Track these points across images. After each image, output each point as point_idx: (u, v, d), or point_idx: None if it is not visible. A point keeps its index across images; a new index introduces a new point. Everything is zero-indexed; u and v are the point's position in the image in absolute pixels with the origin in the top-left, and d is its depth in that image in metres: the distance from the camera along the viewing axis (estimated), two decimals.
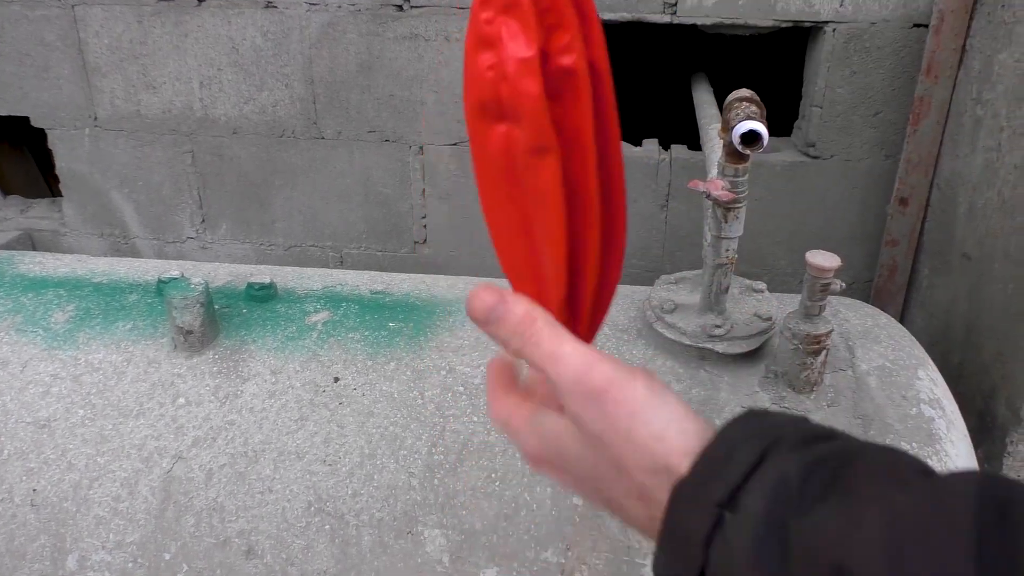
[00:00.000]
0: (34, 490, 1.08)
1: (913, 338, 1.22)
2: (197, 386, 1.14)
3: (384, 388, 1.13)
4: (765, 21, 1.72)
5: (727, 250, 1.09)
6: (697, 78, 1.94)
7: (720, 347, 1.11)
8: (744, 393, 1.09)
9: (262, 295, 1.28)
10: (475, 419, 1.08)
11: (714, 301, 1.14)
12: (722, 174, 1.04)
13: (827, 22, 1.70)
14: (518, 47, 0.38)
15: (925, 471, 0.34)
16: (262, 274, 1.34)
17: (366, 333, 1.21)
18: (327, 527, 1.02)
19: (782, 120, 1.89)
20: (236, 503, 1.04)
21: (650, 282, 1.28)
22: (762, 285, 1.23)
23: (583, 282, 0.44)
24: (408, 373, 1.14)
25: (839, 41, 1.70)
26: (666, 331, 1.14)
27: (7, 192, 2.43)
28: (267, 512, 1.04)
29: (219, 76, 1.96)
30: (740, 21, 1.72)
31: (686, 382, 1.11)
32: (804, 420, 0.38)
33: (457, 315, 1.25)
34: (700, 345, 1.12)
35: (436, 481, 1.03)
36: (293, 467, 1.06)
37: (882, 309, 1.45)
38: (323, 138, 1.99)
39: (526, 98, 0.39)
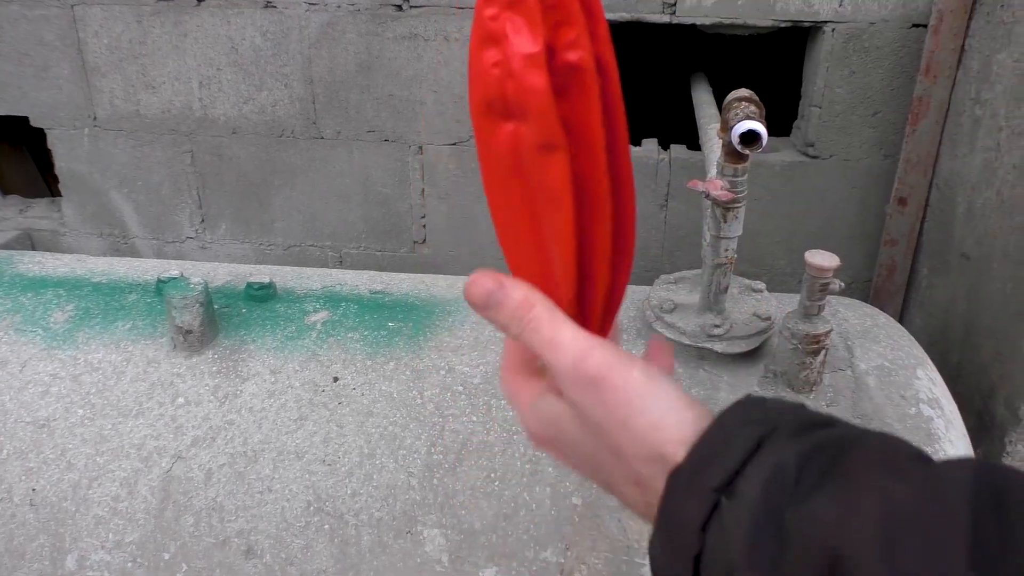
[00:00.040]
0: (33, 490, 1.08)
1: (912, 338, 1.23)
2: (196, 386, 1.14)
3: (383, 388, 1.13)
4: (764, 21, 1.72)
5: (726, 250, 1.09)
6: (696, 78, 1.94)
7: (719, 347, 1.11)
8: (743, 393, 1.09)
9: (261, 295, 1.28)
10: (474, 419, 1.08)
11: (713, 301, 1.14)
12: (721, 174, 1.04)
13: (826, 22, 1.70)
14: (523, 43, 0.38)
15: (922, 458, 0.34)
16: (261, 274, 1.34)
17: (365, 333, 1.21)
18: (326, 527, 1.02)
19: (781, 120, 1.89)
20: (235, 503, 1.04)
21: (649, 282, 1.28)
22: (761, 285, 1.23)
23: (593, 281, 0.43)
24: (407, 373, 1.14)
25: (838, 41, 1.71)
26: (665, 331, 1.15)
27: (6, 192, 2.43)
28: (266, 512, 1.04)
29: (218, 76, 1.96)
30: (739, 21, 1.72)
31: (685, 382, 1.11)
32: (802, 407, 0.38)
33: (456, 315, 1.25)
34: (699, 345, 1.12)
35: (435, 481, 1.03)
36: (292, 467, 1.06)
37: (881, 309, 1.45)
38: (322, 138, 1.99)
39: (532, 94, 0.38)
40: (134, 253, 2.23)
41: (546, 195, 0.41)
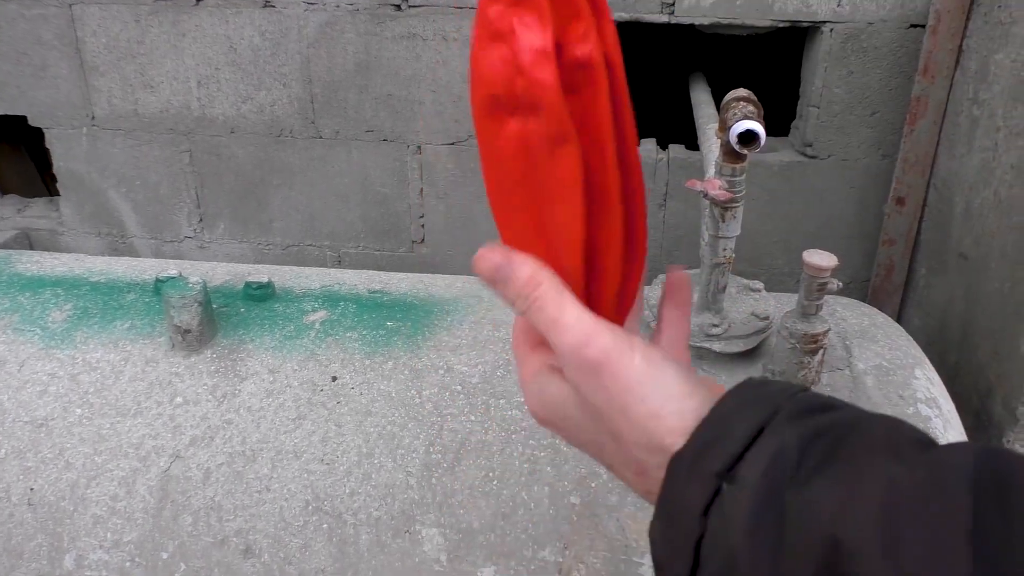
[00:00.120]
0: (31, 489, 1.08)
1: (910, 337, 1.23)
2: (195, 385, 1.14)
3: (382, 387, 1.13)
4: (762, 21, 1.72)
5: (724, 249, 1.09)
6: (695, 78, 1.94)
7: (717, 346, 1.11)
8: None
9: (260, 294, 1.28)
10: (473, 418, 1.08)
11: (712, 300, 1.14)
12: (720, 173, 1.04)
13: (824, 22, 1.70)
14: (533, 37, 0.38)
15: (923, 443, 0.34)
16: (260, 273, 1.34)
17: (364, 332, 1.21)
18: (325, 526, 1.02)
19: (779, 120, 1.90)
20: (234, 502, 1.04)
21: (648, 281, 1.28)
22: (759, 284, 1.23)
23: (603, 276, 0.43)
24: (406, 372, 1.14)
25: (836, 41, 1.71)
26: None
27: (4, 191, 2.43)
28: (265, 511, 1.04)
29: (217, 75, 1.96)
30: (737, 21, 1.73)
31: None
32: (803, 389, 0.38)
33: (455, 314, 1.25)
34: (698, 344, 1.12)
35: (434, 480, 1.03)
36: (291, 466, 1.06)
37: (879, 308, 1.45)
38: (321, 137, 1.99)
39: (543, 88, 0.38)
40: (132, 253, 2.23)
41: (555, 190, 0.40)
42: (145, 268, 1.42)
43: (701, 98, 1.73)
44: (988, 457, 0.31)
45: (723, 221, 1.06)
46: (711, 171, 1.14)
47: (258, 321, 1.24)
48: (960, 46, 1.58)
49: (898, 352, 1.17)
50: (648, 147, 1.89)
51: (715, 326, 1.12)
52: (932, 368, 1.17)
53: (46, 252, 1.59)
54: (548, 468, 1.02)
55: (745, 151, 0.98)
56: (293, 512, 1.03)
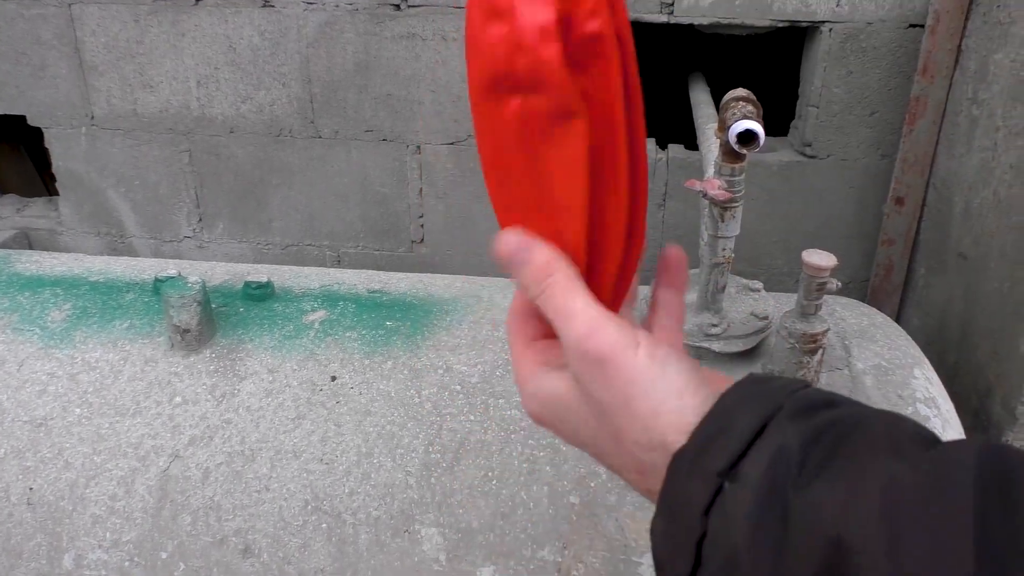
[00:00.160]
0: (31, 489, 1.08)
1: (909, 337, 1.23)
2: (194, 385, 1.14)
3: (381, 387, 1.13)
4: (762, 21, 1.72)
5: (724, 249, 1.09)
6: (694, 78, 1.94)
7: (717, 346, 1.11)
8: None
9: (259, 294, 1.28)
10: (472, 418, 1.08)
11: (711, 300, 1.14)
12: (719, 173, 1.04)
13: (823, 22, 1.70)
14: (534, 13, 0.37)
15: (926, 439, 0.33)
16: (259, 273, 1.34)
17: (363, 332, 1.21)
18: (324, 525, 1.02)
19: (779, 120, 1.90)
20: (233, 502, 1.04)
21: (647, 280, 1.28)
22: (759, 284, 1.23)
23: (605, 257, 0.42)
24: (405, 372, 1.14)
25: (835, 41, 1.71)
26: None
27: (3, 191, 2.43)
28: (264, 511, 1.04)
29: (216, 75, 1.96)
30: (737, 21, 1.73)
31: None
32: (805, 385, 0.38)
33: (454, 314, 1.25)
34: (697, 344, 1.12)
35: (433, 480, 1.03)
36: (290, 466, 1.06)
37: (878, 308, 1.45)
38: (320, 137, 1.99)
39: (546, 66, 0.37)
40: (131, 252, 2.23)
41: (559, 168, 0.40)
42: (144, 268, 1.42)
43: (700, 98, 1.73)
44: (991, 454, 0.31)
45: (722, 221, 1.06)
46: (710, 171, 1.14)
47: (257, 321, 1.24)
48: (959, 46, 1.58)
49: (897, 352, 1.17)
50: (647, 147, 1.89)
51: (714, 326, 1.12)
52: (931, 368, 1.17)
53: (45, 252, 1.59)
54: (547, 468, 1.02)
55: (744, 151, 0.98)
56: (292, 512, 1.03)
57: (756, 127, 0.95)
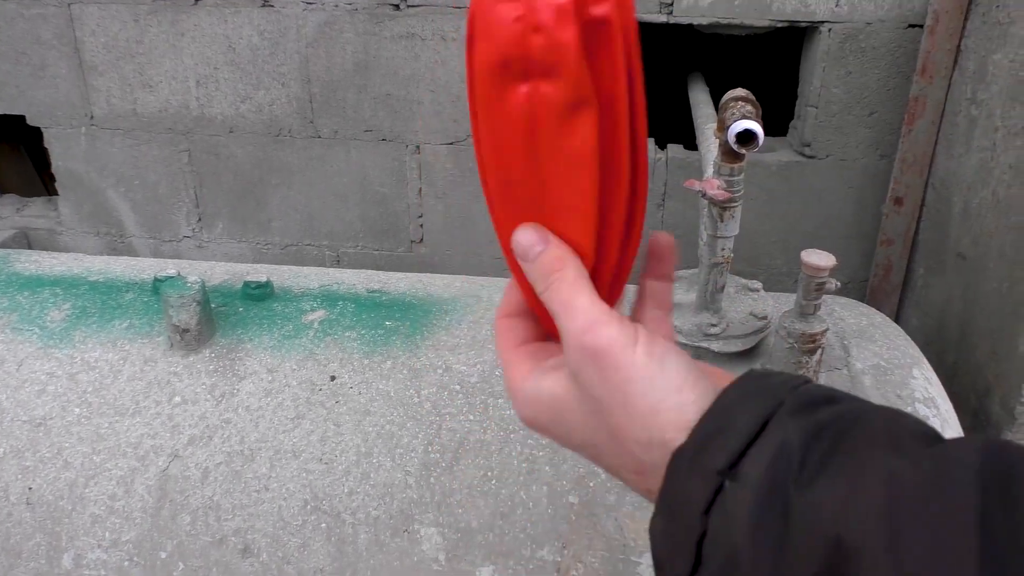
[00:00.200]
0: (30, 488, 1.08)
1: (908, 337, 1.23)
2: (193, 384, 1.14)
3: (380, 387, 1.13)
4: (761, 21, 1.72)
5: (723, 249, 1.09)
6: (693, 78, 1.94)
7: (716, 346, 1.11)
8: None
9: (258, 294, 1.28)
10: (471, 418, 1.08)
11: (710, 300, 1.14)
12: (718, 173, 1.04)
13: (823, 22, 1.70)
14: None
15: (927, 436, 0.33)
16: (258, 273, 1.34)
17: (362, 332, 1.21)
18: (323, 525, 1.02)
19: (778, 120, 1.90)
20: (232, 501, 1.04)
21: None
22: (758, 284, 1.23)
23: (605, 256, 0.42)
24: (404, 372, 1.14)
25: (835, 41, 1.71)
26: None
27: (3, 191, 2.43)
28: (263, 510, 1.04)
29: (215, 75, 1.96)
30: (736, 21, 1.73)
31: None
32: (805, 380, 0.37)
33: (453, 314, 1.25)
34: (696, 344, 1.12)
35: (432, 479, 1.03)
36: (289, 465, 1.06)
37: (877, 308, 1.45)
38: (320, 137, 1.99)
39: (563, 48, 0.35)
40: (131, 252, 2.23)
41: (565, 160, 0.38)
42: (144, 267, 1.42)
43: (699, 98, 1.73)
44: (993, 451, 0.30)
45: (721, 221, 1.06)
46: (709, 171, 1.14)
47: (257, 320, 1.24)
48: (958, 46, 1.58)
49: (896, 352, 1.17)
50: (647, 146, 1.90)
51: (713, 326, 1.12)
52: (930, 368, 1.17)
53: (44, 252, 1.59)
54: (547, 467, 1.02)
55: (743, 151, 0.98)
56: (291, 511, 1.03)
57: (755, 127, 0.95)
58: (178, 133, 2.05)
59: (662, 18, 1.74)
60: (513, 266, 0.44)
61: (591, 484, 1.00)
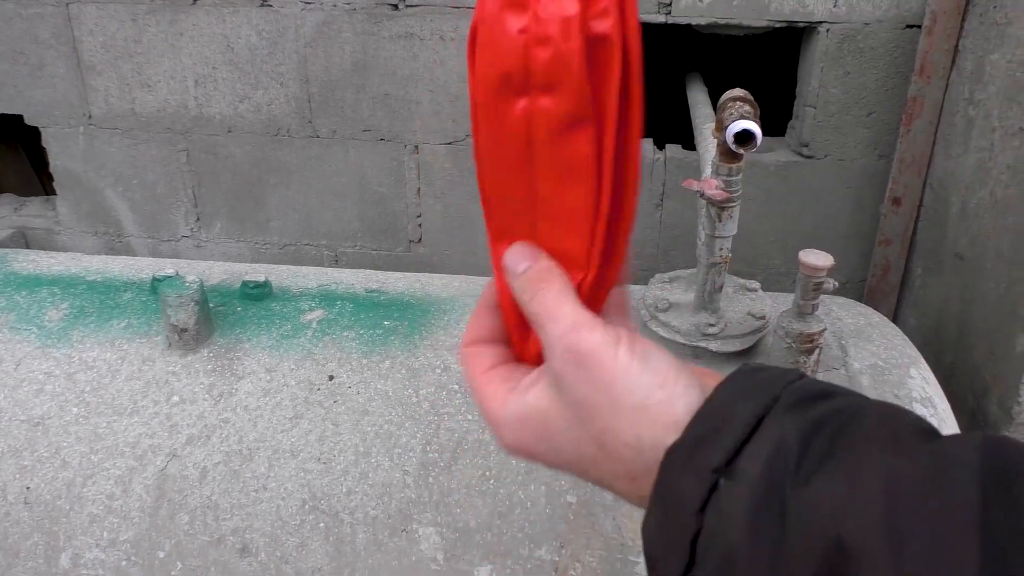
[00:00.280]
0: (27, 488, 1.08)
1: (905, 337, 1.23)
2: (191, 384, 1.14)
3: (379, 386, 1.13)
4: (759, 21, 1.72)
5: (721, 249, 1.09)
6: (691, 78, 1.94)
7: (714, 345, 1.12)
8: None
9: (257, 293, 1.28)
10: (469, 417, 1.08)
11: (708, 300, 1.14)
12: (716, 173, 1.04)
13: (821, 22, 1.70)
14: (561, 4, 0.35)
15: (926, 433, 0.33)
16: (257, 272, 1.34)
17: (361, 331, 1.21)
18: (321, 525, 1.02)
19: (776, 120, 1.90)
20: (230, 501, 1.04)
21: (645, 281, 1.28)
22: (756, 284, 1.24)
23: (590, 261, 0.42)
24: (403, 371, 1.14)
25: (833, 41, 1.71)
26: (660, 329, 1.15)
27: (1, 190, 2.43)
28: (261, 510, 1.04)
29: (214, 75, 1.96)
30: (734, 21, 1.73)
31: None
32: (800, 375, 0.37)
33: (452, 314, 1.25)
34: (694, 344, 1.12)
35: (430, 479, 1.03)
36: (287, 465, 1.06)
37: (875, 308, 1.45)
38: (318, 137, 1.99)
39: (569, 62, 0.35)
40: (129, 252, 2.23)
41: (565, 173, 0.38)
42: (142, 267, 1.41)
43: (698, 98, 1.73)
44: (993, 448, 0.30)
45: (720, 221, 1.06)
46: (708, 171, 1.14)
47: (255, 320, 1.24)
48: (956, 46, 1.59)
49: (894, 352, 1.17)
50: (645, 147, 1.90)
51: (711, 325, 1.12)
52: (928, 368, 1.17)
53: (42, 251, 1.59)
54: (545, 467, 1.02)
55: (741, 151, 0.98)
56: (290, 511, 1.03)
57: (753, 127, 0.95)
58: (176, 133, 2.05)
59: (660, 18, 1.74)
60: (498, 279, 0.44)
61: (589, 484, 1.00)
